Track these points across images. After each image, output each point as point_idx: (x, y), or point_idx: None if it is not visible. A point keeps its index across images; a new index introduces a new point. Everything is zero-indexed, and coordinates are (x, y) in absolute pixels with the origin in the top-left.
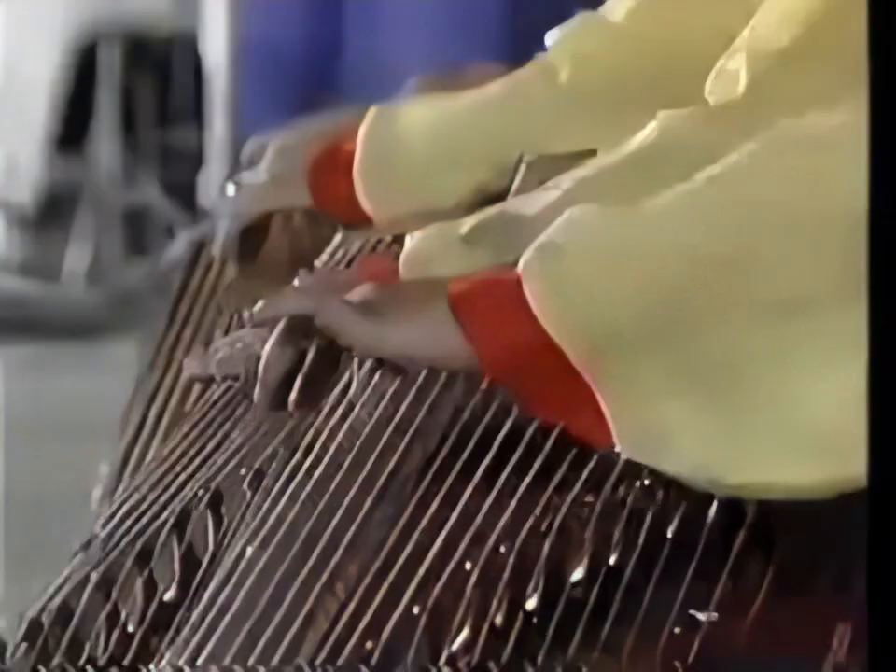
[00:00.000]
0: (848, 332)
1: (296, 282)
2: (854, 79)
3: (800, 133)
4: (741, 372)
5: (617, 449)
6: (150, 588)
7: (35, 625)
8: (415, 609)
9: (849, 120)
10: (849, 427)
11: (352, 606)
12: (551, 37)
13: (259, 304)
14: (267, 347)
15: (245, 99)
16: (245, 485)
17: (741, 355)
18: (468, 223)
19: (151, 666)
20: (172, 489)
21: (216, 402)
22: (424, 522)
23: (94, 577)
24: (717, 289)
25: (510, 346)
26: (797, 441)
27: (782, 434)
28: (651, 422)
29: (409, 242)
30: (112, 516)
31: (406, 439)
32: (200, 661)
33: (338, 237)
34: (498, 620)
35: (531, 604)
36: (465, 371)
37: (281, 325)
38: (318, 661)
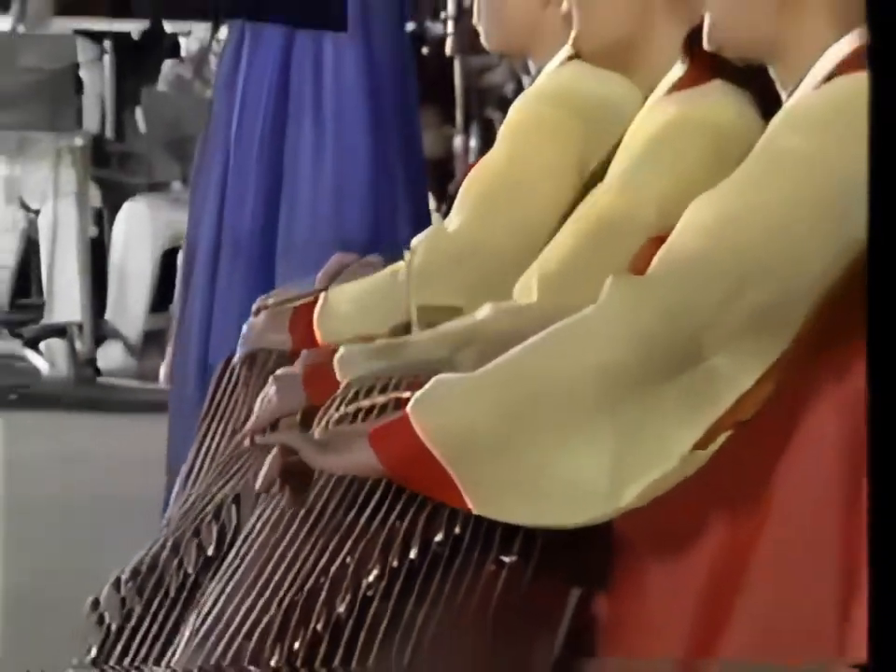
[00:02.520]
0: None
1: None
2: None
3: (563, 325)
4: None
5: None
6: (200, 548)
7: (135, 569)
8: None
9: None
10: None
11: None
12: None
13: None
14: (269, 458)
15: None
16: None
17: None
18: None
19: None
20: (214, 490)
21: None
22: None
23: (170, 541)
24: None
25: (404, 460)
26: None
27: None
28: (490, 500)
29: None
30: (183, 504)
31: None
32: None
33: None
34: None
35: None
36: (376, 477)
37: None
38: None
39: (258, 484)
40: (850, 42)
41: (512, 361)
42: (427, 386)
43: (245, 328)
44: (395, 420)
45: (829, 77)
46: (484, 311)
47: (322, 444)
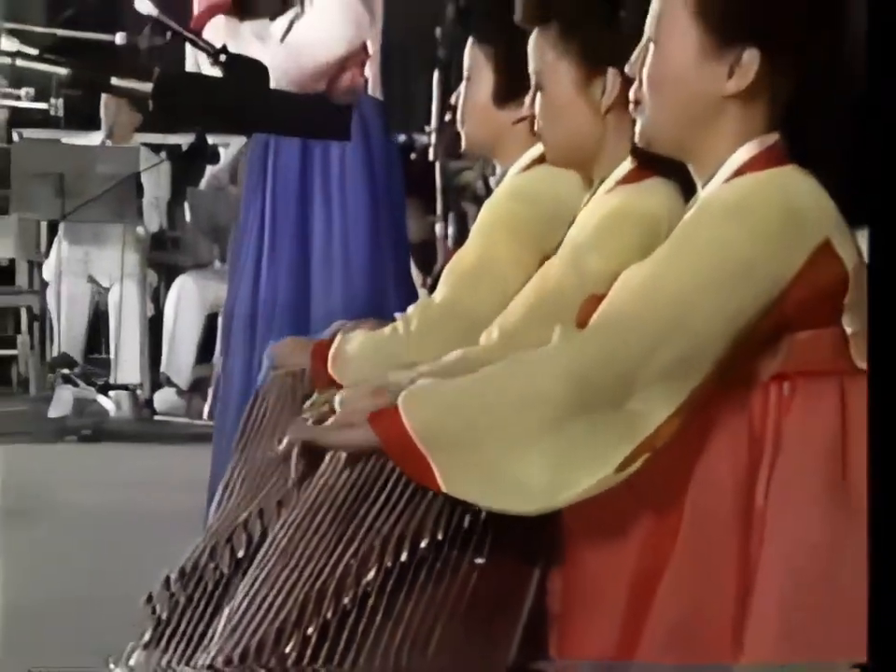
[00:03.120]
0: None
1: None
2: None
3: (520, 356)
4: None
5: (444, 490)
6: (232, 552)
7: (182, 570)
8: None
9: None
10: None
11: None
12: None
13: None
14: (295, 449)
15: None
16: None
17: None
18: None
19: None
20: (244, 506)
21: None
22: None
23: (209, 547)
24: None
25: (396, 439)
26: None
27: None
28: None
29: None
30: (219, 517)
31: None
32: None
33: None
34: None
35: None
36: (375, 452)
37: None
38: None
39: (279, 448)
40: (752, 148)
41: (480, 377)
42: (414, 386)
43: (269, 350)
44: (389, 408)
45: (734, 175)
46: (455, 353)
47: (329, 427)
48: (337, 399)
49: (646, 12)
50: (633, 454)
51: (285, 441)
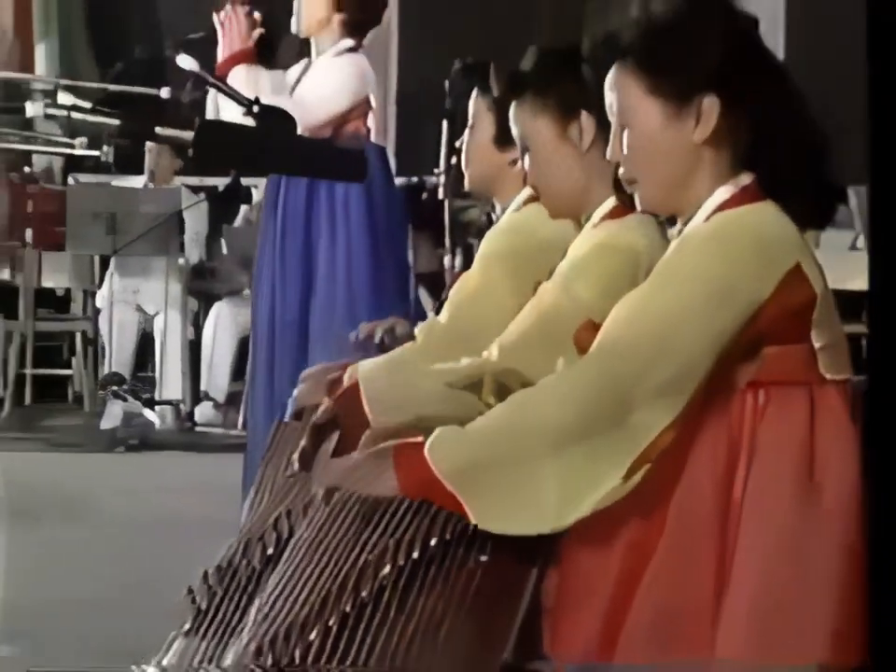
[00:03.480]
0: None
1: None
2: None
3: (531, 391)
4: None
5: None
6: (263, 549)
7: (219, 566)
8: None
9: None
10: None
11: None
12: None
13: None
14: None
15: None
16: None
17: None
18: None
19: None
20: (273, 508)
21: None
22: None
23: (242, 544)
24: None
25: (421, 482)
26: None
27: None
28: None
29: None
30: (251, 518)
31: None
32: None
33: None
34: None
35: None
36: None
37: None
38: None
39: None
40: (728, 189)
41: (496, 417)
42: (435, 435)
43: (294, 393)
44: (415, 456)
45: (713, 213)
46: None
47: (357, 477)
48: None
49: (605, 60)
50: (633, 466)
51: (315, 485)
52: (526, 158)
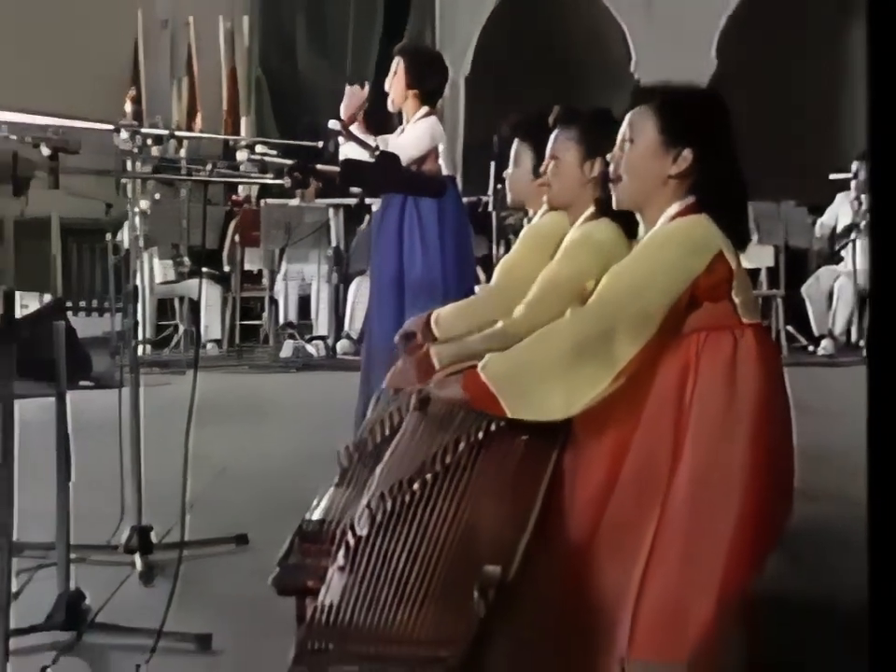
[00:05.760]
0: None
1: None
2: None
3: (552, 324)
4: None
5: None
6: (382, 432)
7: (355, 443)
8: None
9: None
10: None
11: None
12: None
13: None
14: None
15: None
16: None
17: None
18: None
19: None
20: (385, 407)
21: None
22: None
23: (367, 429)
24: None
25: (480, 392)
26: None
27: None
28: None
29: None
30: (373, 412)
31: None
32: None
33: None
34: None
35: None
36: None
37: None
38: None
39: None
40: (679, 205)
41: (524, 345)
42: (485, 359)
43: (399, 331)
44: (473, 372)
45: (669, 220)
46: (499, 323)
47: (440, 388)
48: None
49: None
50: (615, 378)
51: (413, 393)
52: (551, 164)
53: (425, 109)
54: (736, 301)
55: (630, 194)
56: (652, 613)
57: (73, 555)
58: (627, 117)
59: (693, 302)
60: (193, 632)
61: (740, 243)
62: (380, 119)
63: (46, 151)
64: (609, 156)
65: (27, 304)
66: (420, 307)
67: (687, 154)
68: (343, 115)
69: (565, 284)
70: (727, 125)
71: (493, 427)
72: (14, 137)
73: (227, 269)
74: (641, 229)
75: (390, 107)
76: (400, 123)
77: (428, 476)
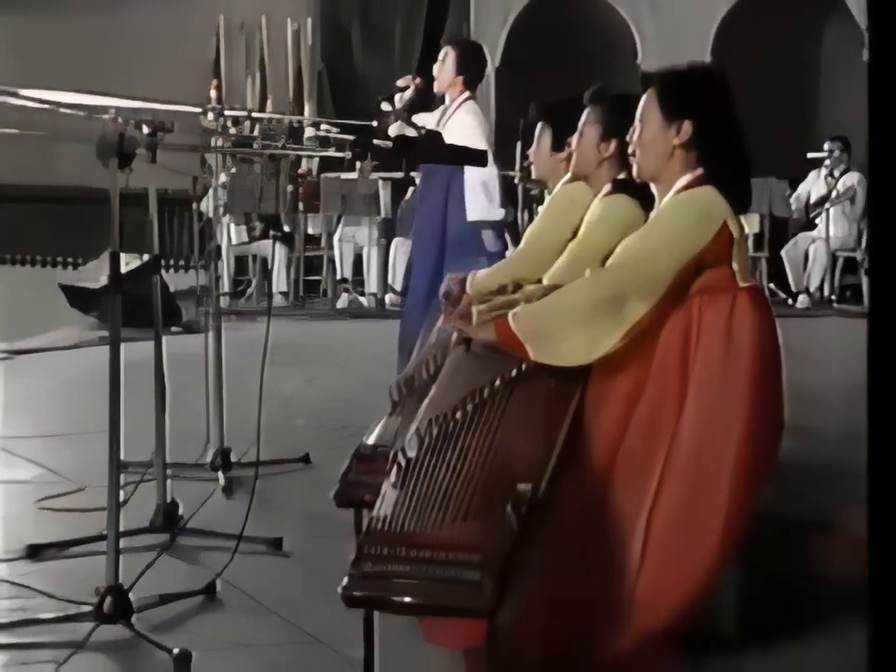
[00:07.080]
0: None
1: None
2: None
3: (574, 282)
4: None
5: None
6: (427, 370)
7: (403, 379)
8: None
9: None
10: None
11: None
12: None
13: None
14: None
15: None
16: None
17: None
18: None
19: None
20: (432, 348)
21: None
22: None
23: (413, 367)
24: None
25: (508, 336)
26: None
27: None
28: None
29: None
30: (418, 352)
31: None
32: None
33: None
34: None
35: None
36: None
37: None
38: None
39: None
40: (687, 178)
41: (550, 298)
42: (517, 309)
43: (442, 286)
44: (504, 321)
45: (678, 192)
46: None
47: (477, 331)
48: (474, 310)
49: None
50: (627, 332)
51: (455, 336)
52: (576, 139)
53: (467, 93)
54: (735, 268)
55: (645, 166)
56: (659, 542)
57: (168, 472)
58: (640, 102)
59: (698, 267)
60: (267, 536)
61: (741, 206)
62: (421, 101)
63: (146, 130)
64: (628, 136)
65: (128, 262)
66: (459, 265)
67: (687, 126)
68: (397, 102)
69: (591, 250)
70: (726, 97)
71: (524, 368)
72: (120, 120)
73: (287, 229)
74: (657, 202)
75: (435, 89)
76: (440, 104)
77: (469, 407)
